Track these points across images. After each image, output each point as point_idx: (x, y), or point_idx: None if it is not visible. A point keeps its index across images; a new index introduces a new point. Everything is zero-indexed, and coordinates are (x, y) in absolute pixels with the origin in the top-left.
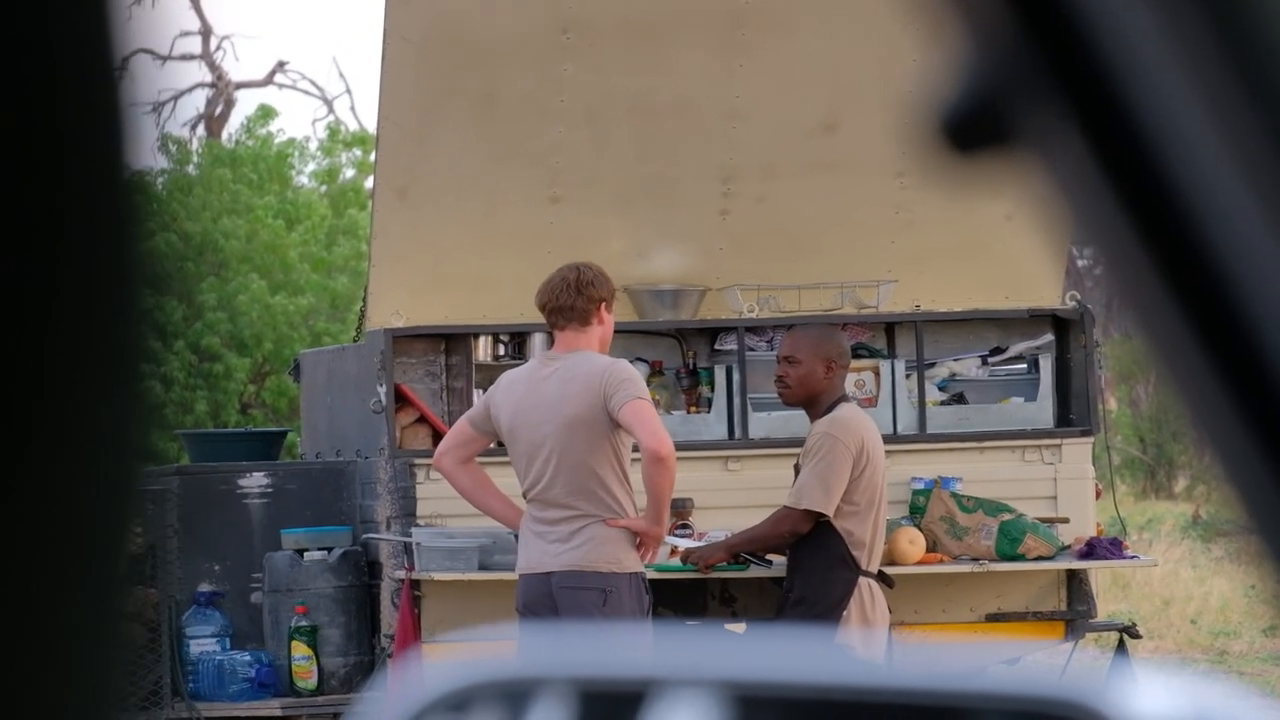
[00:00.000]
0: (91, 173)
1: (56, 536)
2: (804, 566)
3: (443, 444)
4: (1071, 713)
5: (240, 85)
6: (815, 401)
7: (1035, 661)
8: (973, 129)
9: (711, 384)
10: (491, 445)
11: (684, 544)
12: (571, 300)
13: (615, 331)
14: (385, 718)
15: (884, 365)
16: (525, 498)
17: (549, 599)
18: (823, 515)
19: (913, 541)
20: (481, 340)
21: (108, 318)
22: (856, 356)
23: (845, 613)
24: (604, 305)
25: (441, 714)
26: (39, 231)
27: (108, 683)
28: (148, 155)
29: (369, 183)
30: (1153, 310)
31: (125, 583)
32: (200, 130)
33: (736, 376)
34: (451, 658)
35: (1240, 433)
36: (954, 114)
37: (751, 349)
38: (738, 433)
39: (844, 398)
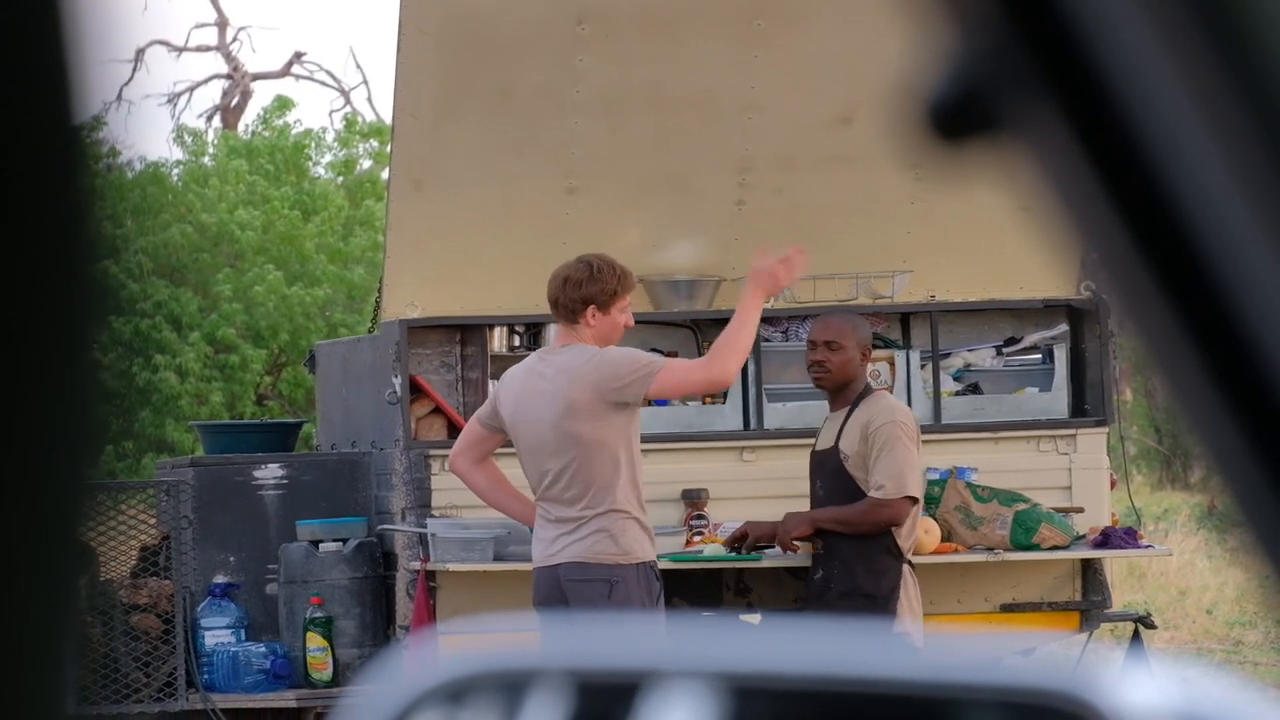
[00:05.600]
0: (42, 160)
1: (6, 531)
2: (844, 555)
3: (456, 445)
4: (1064, 704)
5: (257, 76)
6: (847, 388)
7: (1050, 652)
8: (959, 117)
9: None
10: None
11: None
12: (556, 294)
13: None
14: (381, 709)
15: (899, 355)
16: (534, 494)
17: (559, 592)
18: (917, 501)
19: (928, 531)
20: (497, 331)
21: (57, 307)
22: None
23: (898, 602)
24: (592, 307)
25: (438, 704)
26: None
27: (58, 678)
28: (163, 146)
29: (385, 174)
30: (1140, 298)
31: (76, 577)
32: (216, 121)
33: (751, 367)
34: (464, 648)
35: (1230, 424)
36: (940, 102)
37: (766, 340)
38: (753, 423)
39: (870, 386)
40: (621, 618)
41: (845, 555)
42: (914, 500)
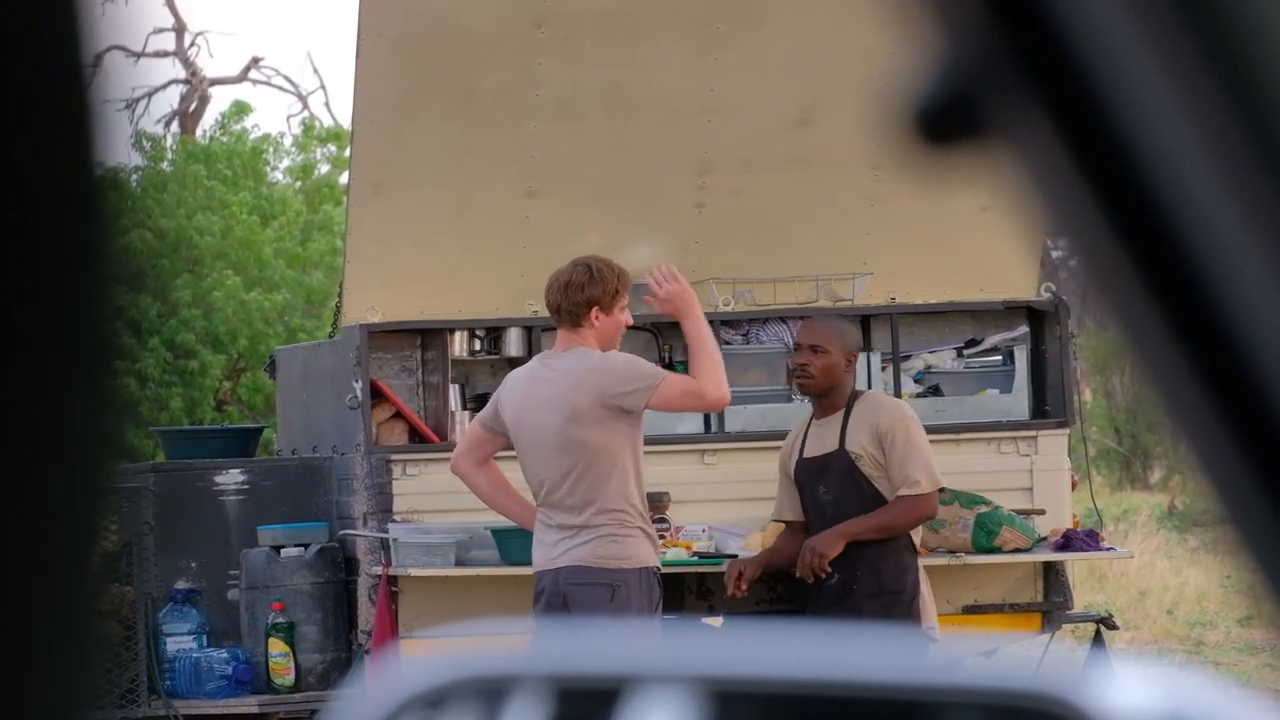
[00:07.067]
0: (63, 168)
1: (29, 535)
2: (870, 556)
3: (459, 447)
4: (1049, 707)
5: (214, 82)
6: (833, 393)
7: (1012, 653)
8: (946, 121)
9: None
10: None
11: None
12: (558, 300)
13: None
14: (362, 715)
15: (860, 358)
16: (535, 499)
17: (560, 596)
18: (944, 492)
19: None
20: (457, 335)
21: (80, 313)
22: None
23: (920, 598)
24: (595, 309)
25: (418, 711)
26: (9, 227)
27: (82, 681)
28: (121, 152)
29: (344, 178)
30: (1126, 299)
31: (99, 580)
32: (174, 127)
33: None
34: (429, 654)
35: (1214, 422)
36: (927, 106)
37: (727, 342)
38: (714, 426)
39: (856, 389)
40: (608, 623)
41: (871, 555)
42: (941, 490)
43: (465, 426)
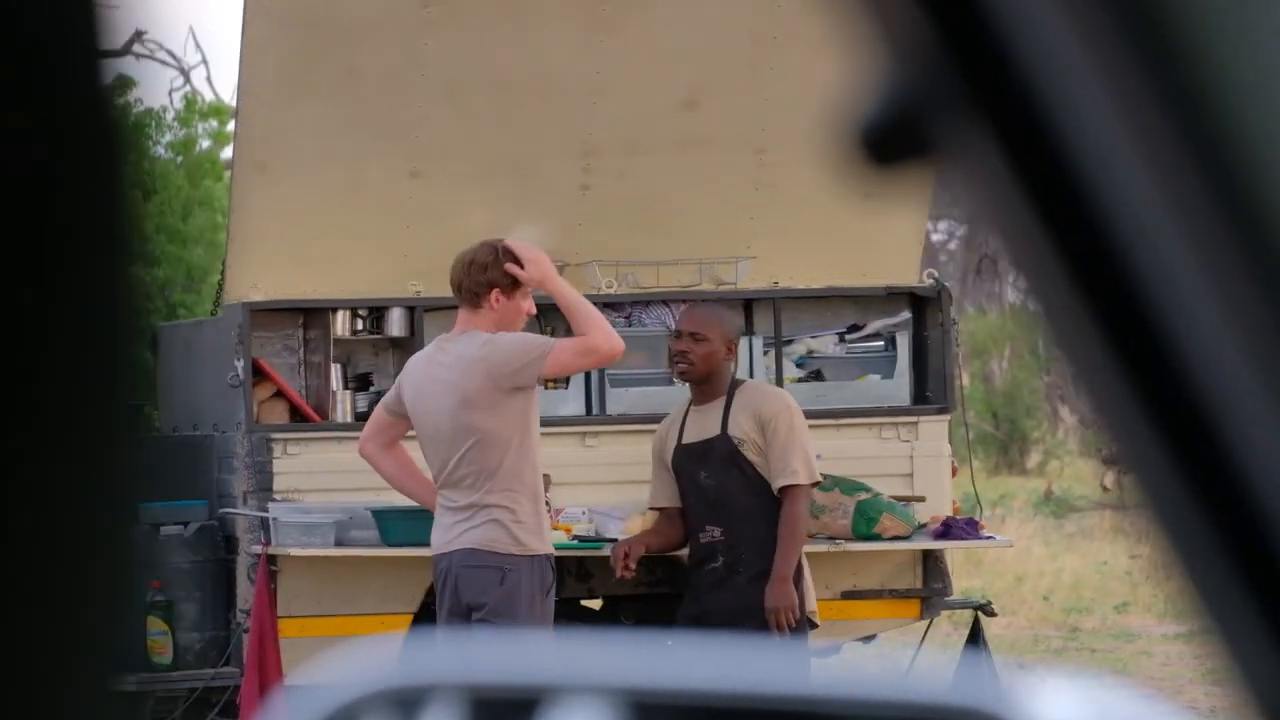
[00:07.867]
0: (81, 155)
1: (61, 503)
2: (759, 537)
3: (364, 431)
4: None
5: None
6: (710, 379)
7: (889, 639)
8: (892, 141)
9: None
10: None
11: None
12: (460, 278)
13: None
14: None
15: (742, 342)
16: (435, 482)
17: (454, 577)
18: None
19: None
20: (340, 315)
21: (101, 289)
22: None
23: (804, 580)
24: (496, 290)
25: None
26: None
27: (112, 648)
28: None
29: (225, 154)
30: (1065, 317)
31: (134, 550)
32: None
33: None
34: (341, 664)
35: (1139, 414)
36: (873, 126)
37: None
38: (595, 408)
39: (736, 377)
40: (523, 631)
41: (760, 537)
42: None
43: (346, 406)
